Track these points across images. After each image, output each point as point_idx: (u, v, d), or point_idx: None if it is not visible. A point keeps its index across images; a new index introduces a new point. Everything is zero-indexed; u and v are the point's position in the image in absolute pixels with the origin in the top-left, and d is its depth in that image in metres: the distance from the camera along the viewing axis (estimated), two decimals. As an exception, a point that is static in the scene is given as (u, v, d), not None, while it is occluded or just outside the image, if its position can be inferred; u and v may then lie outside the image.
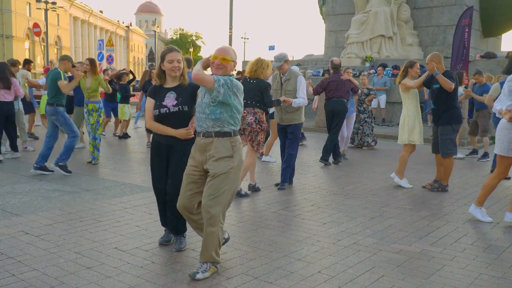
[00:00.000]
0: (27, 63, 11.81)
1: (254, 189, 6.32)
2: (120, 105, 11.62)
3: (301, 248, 4.14)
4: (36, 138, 11.08)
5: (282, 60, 6.48)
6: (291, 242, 4.29)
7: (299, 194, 6.24)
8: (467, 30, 13.97)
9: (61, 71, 7.25)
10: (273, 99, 6.25)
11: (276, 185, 6.65)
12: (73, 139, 7.31)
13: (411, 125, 6.63)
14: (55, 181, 6.65)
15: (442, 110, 6.38)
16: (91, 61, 8.24)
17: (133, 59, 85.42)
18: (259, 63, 6.02)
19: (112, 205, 5.43)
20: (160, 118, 3.90)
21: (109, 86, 9.09)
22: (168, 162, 3.99)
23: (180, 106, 3.86)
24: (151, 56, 49.12)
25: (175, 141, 3.92)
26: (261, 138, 6.08)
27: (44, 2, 33.39)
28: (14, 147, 8.62)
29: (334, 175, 7.50)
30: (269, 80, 6.47)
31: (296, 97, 6.40)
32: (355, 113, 9.69)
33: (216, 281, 3.43)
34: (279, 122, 6.74)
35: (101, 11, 71.59)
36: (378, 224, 4.91)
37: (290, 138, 6.62)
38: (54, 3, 36.57)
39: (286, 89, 6.50)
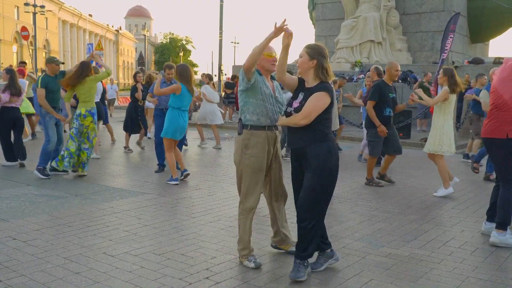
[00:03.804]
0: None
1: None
2: None
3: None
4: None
5: None
6: (280, 246, 4.30)
7: (288, 198, 6.23)
8: (451, 35, 14.19)
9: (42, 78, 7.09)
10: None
11: None
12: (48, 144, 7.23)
13: (439, 136, 6.47)
14: (43, 186, 6.60)
15: None
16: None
17: (122, 63, 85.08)
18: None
19: (101, 210, 5.40)
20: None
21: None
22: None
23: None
24: (140, 60, 48.96)
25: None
26: None
27: (33, 5, 33.18)
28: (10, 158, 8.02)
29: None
30: None
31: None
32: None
33: (206, 285, 3.42)
34: None
35: (90, 15, 71.33)
36: (367, 228, 4.94)
37: None
38: (42, 6, 36.37)
39: None
